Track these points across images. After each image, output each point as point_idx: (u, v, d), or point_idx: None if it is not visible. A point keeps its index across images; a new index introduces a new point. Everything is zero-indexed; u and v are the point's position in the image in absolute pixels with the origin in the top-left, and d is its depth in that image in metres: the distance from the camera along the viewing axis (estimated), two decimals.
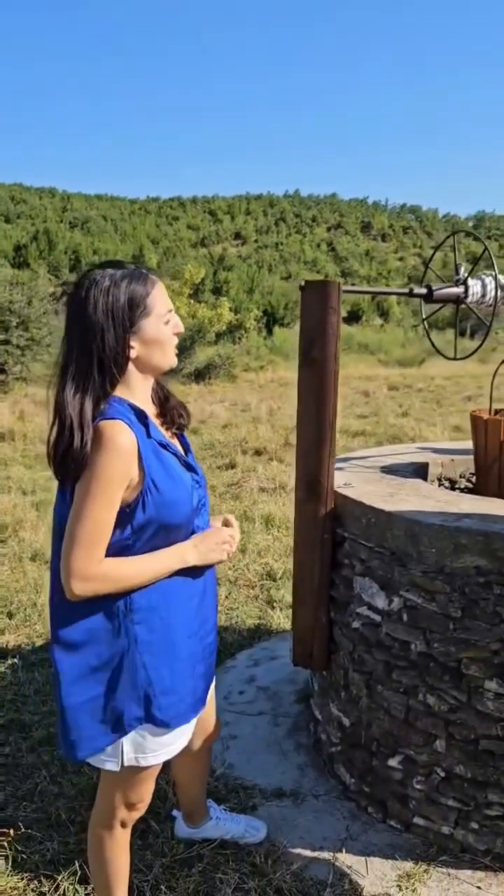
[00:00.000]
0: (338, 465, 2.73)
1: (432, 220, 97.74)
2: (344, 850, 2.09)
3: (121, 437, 1.41)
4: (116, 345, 1.45)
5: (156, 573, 1.51)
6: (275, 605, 3.87)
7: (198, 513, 1.62)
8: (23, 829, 2.13)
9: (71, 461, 1.41)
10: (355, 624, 2.22)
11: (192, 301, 21.77)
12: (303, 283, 2.21)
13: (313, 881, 1.98)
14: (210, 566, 1.68)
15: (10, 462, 8.33)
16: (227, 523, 1.75)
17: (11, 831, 2.06)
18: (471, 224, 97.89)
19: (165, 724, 1.56)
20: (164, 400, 1.66)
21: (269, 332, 30.55)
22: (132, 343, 1.48)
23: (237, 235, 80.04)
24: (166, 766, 1.76)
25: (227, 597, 4.01)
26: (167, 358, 1.55)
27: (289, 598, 3.90)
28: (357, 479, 2.47)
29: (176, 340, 1.57)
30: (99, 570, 1.43)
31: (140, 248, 49.65)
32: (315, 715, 2.57)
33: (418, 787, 2.10)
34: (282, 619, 3.69)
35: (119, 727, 1.52)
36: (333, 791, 2.34)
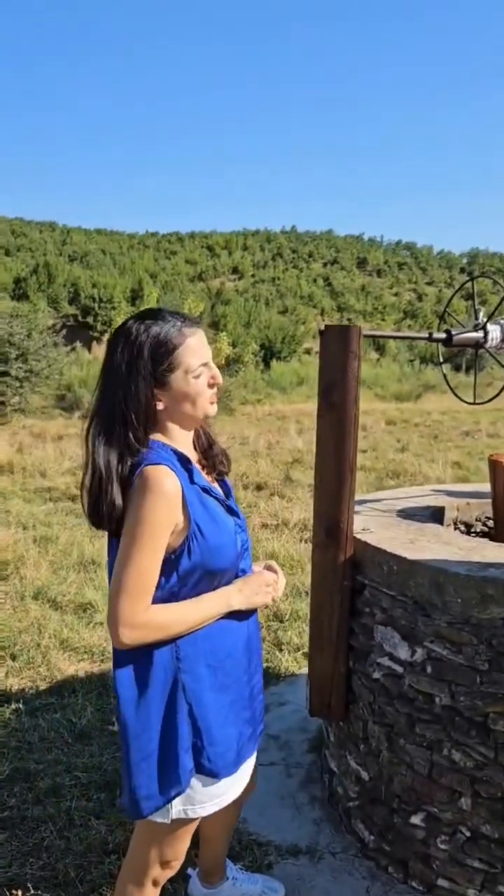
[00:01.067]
0: (356, 508, 2.70)
1: (427, 257, 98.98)
2: None
3: (166, 482, 1.38)
4: (140, 399, 1.44)
5: (202, 618, 1.48)
6: (283, 647, 3.80)
7: (241, 556, 1.60)
8: (31, 891, 2.04)
9: (103, 510, 1.39)
10: (376, 674, 2.16)
11: None
12: (322, 328, 2.19)
13: None
14: (254, 610, 1.65)
15: (9, 495, 8.27)
16: (269, 568, 1.73)
17: (20, 893, 1.97)
18: (465, 260, 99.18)
19: (214, 775, 1.52)
20: (207, 447, 1.64)
21: (267, 365, 30.67)
22: (159, 397, 1.46)
23: (234, 270, 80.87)
24: None
25: None
26: (199, 410, 1.52)
27: (296, 641, 3.83)
28: (375, 524, 2.43)
29: (210, 392, 1.53)
30: (145, 618, 1.40)
31: (139, 282, 50.03)
32: (330, 766, 2.49)
33: (442, 846, 2.03)
34: (290, 663, 3.62)
35: (177, 782, 1.46)
36: (351, 848, 2.26)
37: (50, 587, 4.59)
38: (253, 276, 79.67)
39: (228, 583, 1.56)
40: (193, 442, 1.61)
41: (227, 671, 1.54)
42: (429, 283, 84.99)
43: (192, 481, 1.47)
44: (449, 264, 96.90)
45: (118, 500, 1.40)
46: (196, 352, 1.49)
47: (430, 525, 2.44)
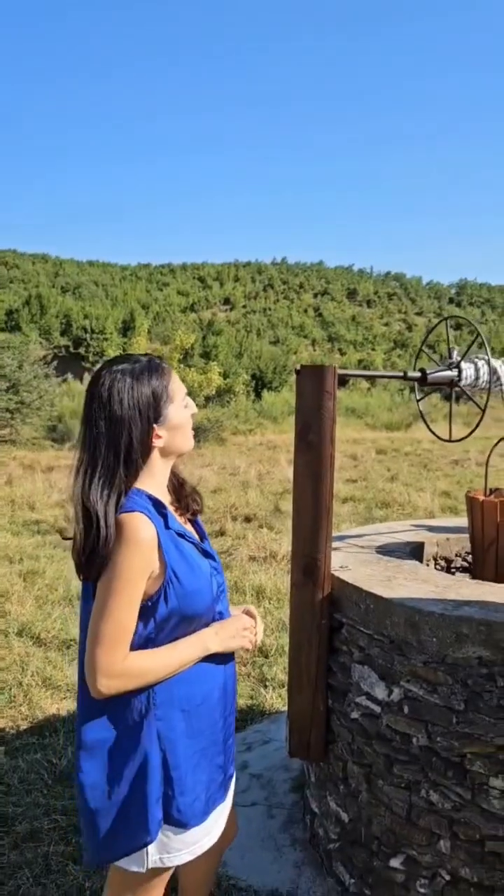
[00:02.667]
0: (333, 544, 2.71)
1: (416, 287, 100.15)
2: None
3: (142, 531, 1.39)
4: (143, 437, 1.46)
5: (180, 663, 1.48)
6: (267, 683, 3.78)
7: (218, 599, 1.60)
8: None
9: (97, 558, 1.40)
10: (354, 714, 2.16)
11: (181, 366, 21.98)
12: (298, 368, 2.22)
13: None
14: (231, 656, 1.65)
15: None
16: (248, 613, 1.74)
17: None
18: (453, 291, 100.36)
19: (183, 825, 1.50)
20: (178, 486, 1.65)
21: (258, 395, 30.83)
22: (159, 433, 1.49)
23: (226, 301, 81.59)
24: None
25: None
26: (187, 440, 1.57)
27: (282, 677, 3.81)
28: (353, 561, 2.44)
29: (192, 422, 1.59)
30: (123, 667, 1.40)
31: (131, 313, 50.39)
32: (311, 807, 2.47)
33: (422, 890, 2.01)
34: (274, 699, 3.59)
35: (146, 831, 1.45)
36: (332, 892, 2.23)
37: (34, 623, 4.56)
38: (244, 306, 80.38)
39: (206, 626, 1.56)
40: (169, 481, 1.62)
41: (201, 716, 1.53)
42: (418, 314, 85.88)
43: (167, 527, 1.47)
44: (437, 294, 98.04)
45: (112, 542, 1.39)
46: (180, 385, 1.56)
47: (408, 562, 2.46)
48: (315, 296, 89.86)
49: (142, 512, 1.42)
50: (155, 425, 1.48)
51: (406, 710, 2.00)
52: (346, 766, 2.21)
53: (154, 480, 1.53)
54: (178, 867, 1.83)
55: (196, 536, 1.63)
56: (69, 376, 28.65)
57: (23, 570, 6.10)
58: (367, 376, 2.47)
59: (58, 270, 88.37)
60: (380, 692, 2.07)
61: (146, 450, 1.47)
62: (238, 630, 1.61)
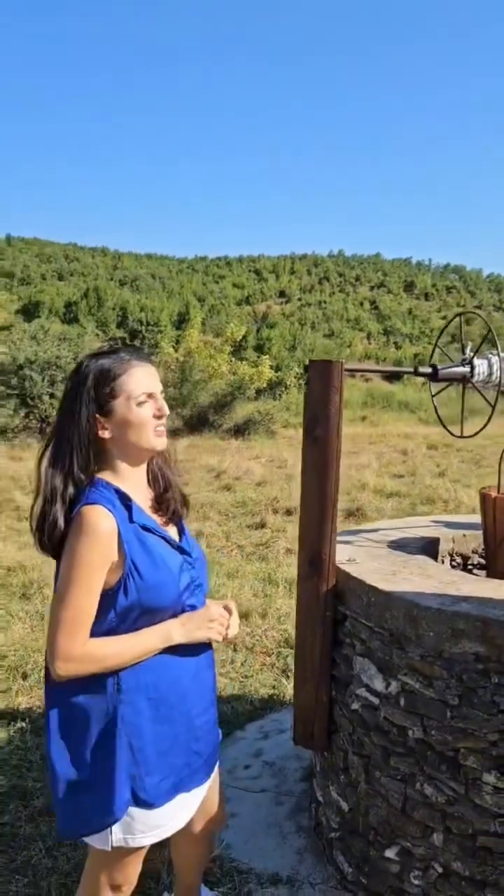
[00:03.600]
0: (347, 538, 2.73)
1: (476, 280, 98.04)
2: None
3: (100, 523, 1.45)
4: (82, 423, 1.52)
5: (140, 652, 1.52)
6: (289, 674, 3.81)
7: (191, 593, 1.63)
8: None
9: (46, 534, 1.48)
10: (354, 705, 2.18)
11: (232, 358, 22.08)
12: (307, 363, 2.25)
13: None
14: (205, 647, 1.69)
15: None
16: (227, 608, 1.76)
17: None
18: None
19: (149, 805, 1.55)
20: (163, 490, 1.69)
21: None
22: (105, 425, 1.54)
23: (281, 294, 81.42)
24: (162, 846, 1.73)
25: (242, 664, 3.97)
26: (143, 440, 1.57)
27: None
28: (363, 555, 2.45)
29: (156, 423, 1.59)
30: (81, 652, 1.45)
31: (186, 306, 50.79)
32: (316, 796, 2.50)
33: (415, 881, 2.02)
34: None
35: (110, 811, 1.51)
36: (331, 879, 2.27)
37: None
38: (299, 299, 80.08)
39: (172, 614, 1.59)
40: (149, 482, 1.67)
41: (170, 704, 1.57)
42: (478, 307, 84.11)
43: (131, 520, 1.52)
44: (498, 287, 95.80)
45: (60, 523, 1.48)
46: (140, 381, 1.56)
47: (417, 557, 2.46)
48: (371, 288, 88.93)
49: (103, 504, 1.47)
50: (99, 417, 1.53)
51: (402, 702, 2.01)
52: (347, 757, 2.23)
53: (119, 475, 1.58)
54: (171, 848, 1.91)
55: (172, 533, 1.66)
56: None
57: None
58: (377, 371, 2.48)
59: (116, 263, 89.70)
60: (378, 684, 2.09)
61: (89, 437, 1.53)
62: (204, 621, 1.61)
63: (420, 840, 2.00)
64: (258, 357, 25.79)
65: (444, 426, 2.58)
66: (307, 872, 2.30)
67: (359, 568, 2.29)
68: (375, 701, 2.10)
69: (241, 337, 23.31)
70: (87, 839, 1.56)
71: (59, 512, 1.48)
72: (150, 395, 1.58)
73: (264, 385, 23.23)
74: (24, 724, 3.23)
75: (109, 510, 1.47)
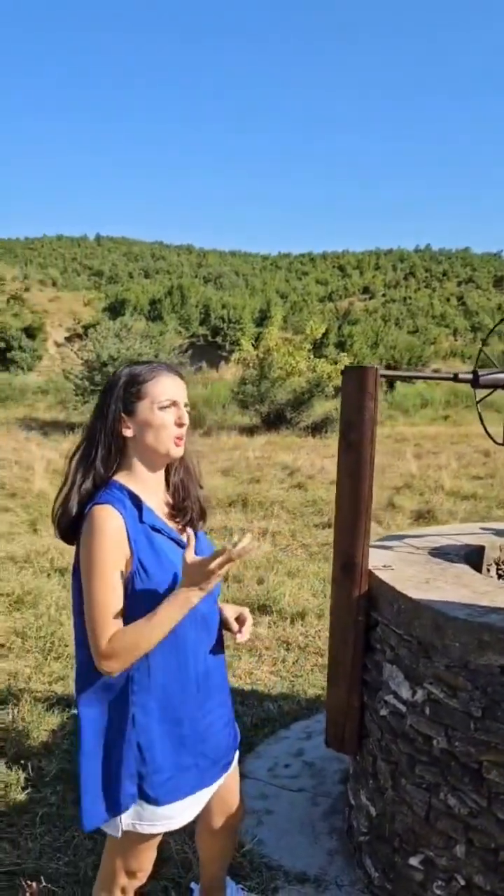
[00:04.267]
0: (390, 543, 2.72)
1: None
2: None
3: (108, 521, 1.52)
4: (111, 421, 1.62)
5: (166, 626, 1.51)
6: None
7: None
8: (43, 884, 2.21)
9: (63, 522, 1.61)
10: (383, 711, 2.19)
11: (311, 356, 22.02)
12: (343, 369, 2.26)
13: None
14: (216, 649, 1.74)
15: None
16: (242, 617, 1.84)
17: (35, 884, 2.14)
18: None
19: (155, 801, 1.62)
20: (181, 500, 1.76)
21: (391, 386, 30.28)
22: (128, 423, 1.62)
23: (365, 290, 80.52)
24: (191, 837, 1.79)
25: (294, 663, 4.00)
26: (161, 443, 1.64)
27: None
28: (400, 561, 2.45)
29: (177, 430, 1.65)
30: (112, 647, 1.50)
31: (268, 303, 50.97)
32: (350, 799, 2.51)
33: (438, 892, 2.01)
34: None
35: (116, 804, 1.59)
36: (358, 883, 2.28)
37: None
38: (384, 295, 79.00)
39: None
40: (168, 489, 1.74)
41: (176, 707, 1.63)
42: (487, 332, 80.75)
43: (141, 520, 1.59)
44: None
45: (74, 509, 1.59)
46: (165, 388, 1.65)
47: (456, 565, 2.43)
48: (459, 284, 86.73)
49: (113, 504, 1.55)
50: (124, 415, 1.62)
51: (428, 711, 2.01)
52: (376, 762, 2.24)
53: (135, 478, 1.65)
54: (196, 840, 1.98)
55: (178, 533, 1.71)
56: (203, 365, 29.50)
57: None
58: (413, 377, 2.46)
59: (201, 261, 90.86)
60: (405, 692, 2.09)
61: (115, 435, 1.63)
62: (204, 574, 1.51)
63: (443, 851, 1.99)
64: (338, 354, 25.63)
65: (487, 431, 2.53)
66: (335, 874, 2.32)
67: (393, 574, 2.29)
68: (402, 708, 2.10)
69: (321, 334, 23.21)
70: (103, 827, 1.64)
71: (74, 501, 1.58)
72: (174, 403, 1.66)
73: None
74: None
75: (118, 509, 1.54)
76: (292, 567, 5.91)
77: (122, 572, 1.54)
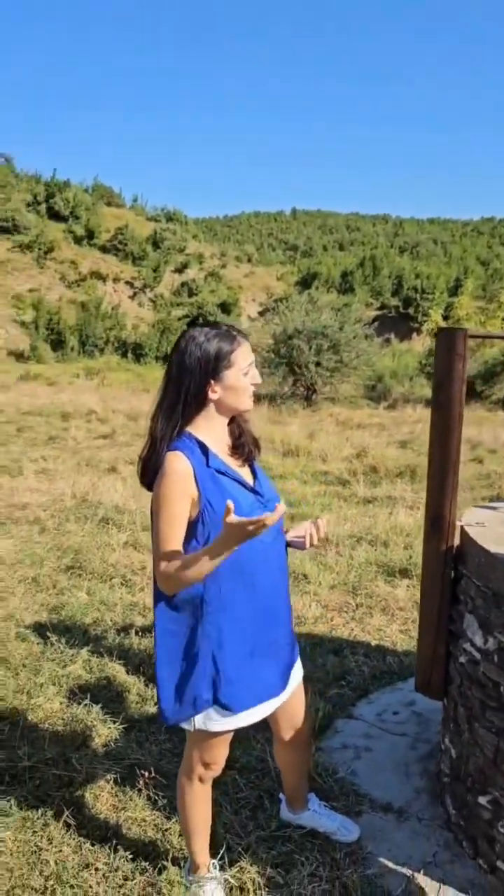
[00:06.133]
0: (497, 504, 2.76)
1: None
2: (422, 873, 2.18)
3: (177, 464, 1.77)
4: (200, 387, 1.84)
5: (201, 566, 1.67)
6: None
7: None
8: (154, 775, 2.57)
9: (149, 469, 1.85)
10: (462, 659, 2.29)
11: None
12: (435, 332, 2.35)
13: (380, 889, 2.12)
14: (280, 578, 1.97)
15: (288, 476, 9.07)
16: (317, 524, 2.02)
17: (147, 774, 2.52)
18: None
19: (228, 708, 1.89)
20: (237, 437, 1.98)
21: None
22: (215, 388, 1.85)
23: None
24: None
25: None
26: (242, 402, 1.89)
27: None
28: (495, 520, 2.50)
29: (252, 389, 1.90)
30: (166, 572, 1.75)
31: (465, 271, 48.78)
32: (441, 744, 2.63)
33: (503, 831, 2.11)
34: None
35: (193, 706, 1.88)
36: (438, 819, 2.41)
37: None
38: None
39: (246, 551, 1.80)
40: (229, 432, 1.96)
41: (245, 626, 1.87)
42: None
43: (207, 465, 1.83)
44: None
45: (158, 461, 1.82)
46: (246, 356, 1.87)
47: None
48: None
49: (181, 451, 1.79)
50: (212, 381, 1.83)
51: (496, 659, 2.09)
52: (457, 708, 2.35)
53: (209, 427, 1.88)
54: (275, 754, 2.24)
55: (246, 475, 1.94)
56: (392, 336, 29.10)
57: (294, 514, 6.77)
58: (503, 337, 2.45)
59: (397, 230, 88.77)
60: (479, 640, 2.18)
61: (202, 398, 1.84)
62: (241, 534, 1.60)
63: None
64: None
65: None
66: (419, 808, 2.47)
67: (482, 531, 2.36)
68: (477, 656, 2.19)
69: None
70: (180, 723, 1.95)
71: (161, 451, 1.84)
72: (251, 366, 1.89)
73: None
74: None
75: (187, 455, 1.80)
76: None
77: (191, 509, 1.81)
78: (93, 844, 2.30)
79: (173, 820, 2.40)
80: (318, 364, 20.28)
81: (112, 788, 2.57)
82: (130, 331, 34.55)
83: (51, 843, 2.30)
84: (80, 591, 4.43)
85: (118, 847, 2.28)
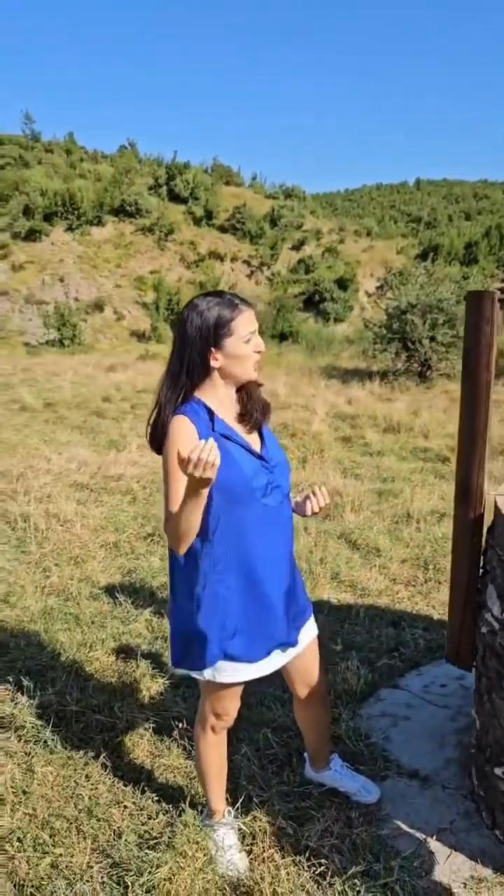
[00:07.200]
0: None
1: None
2: (435, 838, 2.19)
3: (181, 427, 1.85)
4: (201, 356, 1.90)
5: (184, 513, 1.74)
6: None
7: (267, 494, 1.96)
8: (185, 725, 2.69)
9: (157, 434, 1.93)
10: (483, 629, 2.25)
11: None
12: (465, 295, 2.29)
13: (391, 850, 2.15)
14: (279, 542, 2.02)
15: (386, 453, 8.94)
16: (316, 492, 2.07)
17: (181, 724, 2.66)
18: None
19: (233, 658, 1.97)
20: (246, 402, 2.03)
21: None
22: (216, 356, 1.91)
23: None
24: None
25: None
26: (245, 370, 1.94)
27: None
28: None
29: (256, 357, 1.94)
30: (167, 527, 1.86)
31: None
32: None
33: None
34: None
35: (203, 658, 1.98)
36: (463, 789, 2.40)
37: (355, 531, 5.14)
38: None
39: (252, 514, 1.91)
40: (237, 399, 2.00)
41: (253, 584, 1.95)
42: None
43: (213, 429, 1.89)
44: None
45: (162, 424, 1.90)
46: (247, 324, 1.91)
47: None
48: None
49: (187, 415, 1.86)
50: (213, 348, 1.88)
51: None
52: (481, 678, 2.31)
53: (215, 394, 1.94)
54: (295, 713, 2.31)
55: (251, 441, 1.98)
56: None
57: (382, 490, 6.71)
58: None
59: None
60: (497, 610, 2.14)
61: (205, 365, 1.90)
62: (193, 466, 1.62)
63: None
64: None
65: None
66: (446, 777, 2.46)
67: None
68: (496, 626, 2.16)
69: None
70: (191, 673, 2.05)
71: (167, 417, 1.93)
72: (253, 333, 1.93)
73: None
74: None
75: (192, 418, 1.87)
76: None
77: None
78: (125, 785, 2.47)
79: None
80: (432, 339, 19.66)
81: (151, 737, 2.73)
82: None
83: (88, 780, 2.49)
84: (154, 556, 4.64)
85: (146, 789, 2.43)
